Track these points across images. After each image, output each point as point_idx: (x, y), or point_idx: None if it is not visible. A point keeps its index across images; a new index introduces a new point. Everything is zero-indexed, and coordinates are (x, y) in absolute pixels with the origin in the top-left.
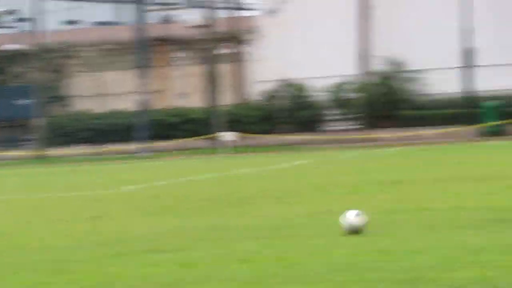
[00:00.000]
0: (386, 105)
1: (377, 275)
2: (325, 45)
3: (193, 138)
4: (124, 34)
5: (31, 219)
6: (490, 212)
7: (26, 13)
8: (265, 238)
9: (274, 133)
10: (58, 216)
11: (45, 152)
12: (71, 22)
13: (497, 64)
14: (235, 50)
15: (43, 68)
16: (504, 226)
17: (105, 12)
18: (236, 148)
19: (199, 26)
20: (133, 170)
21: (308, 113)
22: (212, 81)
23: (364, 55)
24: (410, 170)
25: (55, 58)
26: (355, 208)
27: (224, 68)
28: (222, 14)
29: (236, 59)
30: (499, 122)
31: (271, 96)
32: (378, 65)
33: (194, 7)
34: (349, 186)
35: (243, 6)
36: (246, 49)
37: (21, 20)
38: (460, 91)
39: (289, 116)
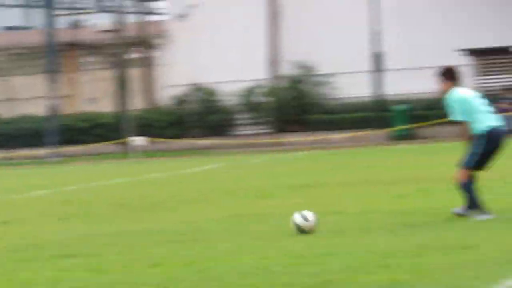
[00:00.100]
0: (295, 109)
1: (287, 279)
2: (235, 49)
3: (103, 143)
4: (33, 38)
5: None
6: (400, 216)
7: None
8: (176, 243)
9: (185, 137)
10: None
11: None
12: None
13: (406, 68)
14: (145, 55)
15: None
16: (414, 229)
17: (14, 17)
18: (146, 153)
19: (109, 31)
20: (43, 175)
21: (218, 118)
22: (122, 86)
23: (273, 59)
24: (320, 174)
25: None
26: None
27: (134, 73)
28: (132, 18)
29: (146, 63)
30: (408, 126)
31: (182, 100)
32: (287, 69)
33: (103, 11)
34: (258, 190)
35: (153, 11)
36: (156, 53)
37: None
38: (370, 94)
39: (200, 120)
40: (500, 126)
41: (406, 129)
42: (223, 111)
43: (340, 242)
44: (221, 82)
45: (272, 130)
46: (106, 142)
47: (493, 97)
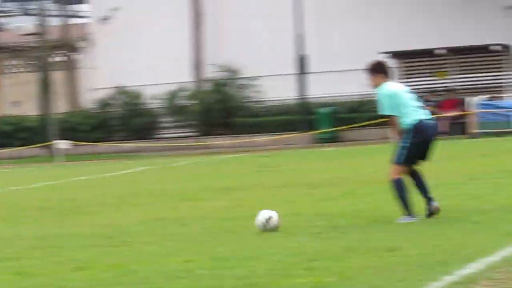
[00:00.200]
0: (220, 113)
1: (213, 282)
2: (158, 52)
3: (28, 146)
4: None
5: None
6: (326, 218)
7: None
8: (100, 246)
9: (109, 141)
10: None
11: None
12: None
13: (330, 71)
14: (68, 58)
15: None
16: (340, 232)
17: None
18: (71, 156)
19: (32, 34)
20: None
21: (142, 121)
22: (45, 89)
23: (197, 62)
24: (245, 177)
25: None
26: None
27: (58, 76)
28: (55, 21)
29: (70, 66)
30: (332, 129)
31: (106, 103)
32: (212, 72)
33: (26, 14)
34: (183, 193)
35: (76, 14)
36: (79, 56)
37: None
38: (294, 97)
39: (124, 123)
40: (427, 119)
41: (331, 132)
42: (147, 114)
43: (265, 245)
44: (145, 85)
45: (197, 133)
46: (31, 146)
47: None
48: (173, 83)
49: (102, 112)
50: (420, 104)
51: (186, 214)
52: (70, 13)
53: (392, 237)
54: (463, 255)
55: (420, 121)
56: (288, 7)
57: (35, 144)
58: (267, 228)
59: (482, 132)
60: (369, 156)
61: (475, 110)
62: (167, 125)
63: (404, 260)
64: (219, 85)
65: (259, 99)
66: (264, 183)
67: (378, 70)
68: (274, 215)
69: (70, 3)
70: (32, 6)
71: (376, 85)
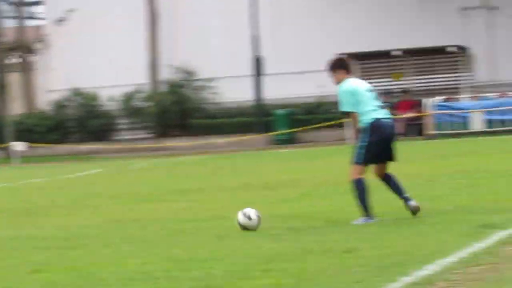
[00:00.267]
0: (177, 114)
1: (170, 284)
2: (115, 54)
3: None
4: None
5: None
6: (283, 220)
7: None
8: (56, 248)
9: (66, 142)
10: None
11: None
12: None
13: (286, 72)
14: (24, 60)
15: None
16: (297, 233)
17: None
18: (27, 158)
19: None
20: None
21: (99, 122)
22: (1, 91)
23: (153, 64)
24: (202, 179)
25: None
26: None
27: (14, 78)
28: (10, 23)
29: (26, 68)
30: (289, 130)
31: (62, 105)
32: (168, 74)
33: None
34: (140, 195)
35: (31, 15)
36: (35, 58)
37: None
38: (252, 99)
39: (80, 125)
40: (385, 118)
41: (287, 134)
42: (103, 116)
43: (222, 247)
44: (101, 87)
45: (153, 135)
46: None
47: None
48: (130, 84)
49: (58, 114)
50: (380, 103)
51: (143, 216)
52: (25, 15)
53: (349, 238)
54: (421, 256)
55: (377, 119)
56: (244, 8)
57: None
58: (246, 224)
59: (439, 133)
60: (326, 157)
61: (431, 111)
62: (124, 126)
63: (362, 261)
64: (175, 87)
65: (216, 101)
66: (221, 185)
67: (339, 66)
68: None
69: (26, 5)
70: None
71: (338, 82)
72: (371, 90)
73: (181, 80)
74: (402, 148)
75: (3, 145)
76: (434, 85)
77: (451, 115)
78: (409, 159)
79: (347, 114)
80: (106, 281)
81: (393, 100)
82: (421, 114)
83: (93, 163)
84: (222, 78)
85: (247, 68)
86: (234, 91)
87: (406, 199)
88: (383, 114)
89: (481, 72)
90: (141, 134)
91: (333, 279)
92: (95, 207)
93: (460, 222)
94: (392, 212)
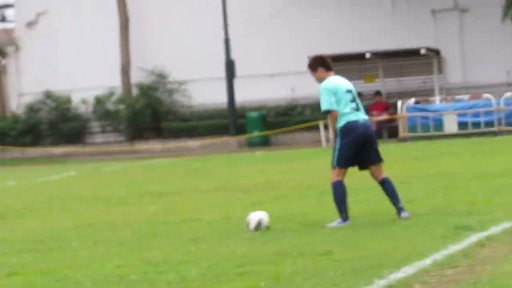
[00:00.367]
0: (150, 117)
1: (145, 287)
2: (87, 56)
3: None
4: None
5: None
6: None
7: None
8: (31, 252)
9: (38, 146)
10: None
11: None
12: None
13: (259, 75)
14: None
15: None
16: (272, 236)
17: None
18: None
19: None
20: None
21: (72, 125)
22: None
23: (125, 66)
24: (175, 181)
25: None
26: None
27: None
28: None
29: None
30: (263, 133)
31: (34, 108)
32: (141, 77)
33: None
34: (113, 198)
35: (2, 19)
36: (7, 61)
37: None
38: (224, 102)
39: (53, 128)
40: (360, 120)
41: (261, 136)
42: (76, 119)
43: (197, 250)
44: (74, 90)
45: (126, 138)
46: None
47: None
48: (102, 87)
49: (31, 117)
50: (358, 103)
51: (118, 219)
52: None
53: (325, 241)
54: (397, 258)
55: (348, 122)
56: (216, 11)
57: None
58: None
59: (412, 135)
60: (301, 160)
61: (404, 113)
62: (97, 130)
63: (337, 264)
64: (148, 90)
65: (189, 104)
66: (195, 187)
67: (318, 64)
68: (262, 218)
69: None
70: None
71: (319, 80)
72: (350, 91)
73: (153, 83)
74: None
75: None
76: (407, 87)
77: (424, 117)
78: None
79: (327, 113)
80: (82, 284)
81: (366, 103)
82: (394, 116)
83: (67, 166)
84: (195, 81)
85: (220, 70)
86: (207, 94)
87: (399, 209)
88: (358, 116)
89: (454, 74)
90: (114, 137)
91: (309, 282)
92: (69, 210)
93: (436, 224)
94: (368, 214)
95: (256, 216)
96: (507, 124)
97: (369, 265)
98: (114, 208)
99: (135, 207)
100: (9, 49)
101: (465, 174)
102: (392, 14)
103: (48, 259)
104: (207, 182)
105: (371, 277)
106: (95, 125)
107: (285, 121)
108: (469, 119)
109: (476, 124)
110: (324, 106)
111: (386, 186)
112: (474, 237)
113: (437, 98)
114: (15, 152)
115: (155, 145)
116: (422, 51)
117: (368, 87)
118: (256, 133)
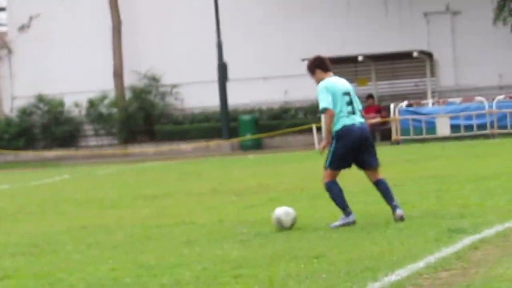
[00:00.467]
0: (143, 120)
1: None
2: (80, 59)
3: None
4: None
5: None
6: (251, 226)
7: None
8: (25, 255)
9: (31, 149)
10: None
11: None
12: None
13: (252, 78)
14: None
15: None
16: (266, 239)
17: None
18: None
19: None
20: None
21: (65, 129)
22: None
23: (118, 69)
24: (168, 184)
25: None
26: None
27: None
28: None
29: None
30: (256, 136)
31: (27, 111)
32: (134, 80)
33: None
34: (106, 201)
35: None
36: (0, 65)
37: None
38: (218, 105)
39: (46, 131)
40: (355, 123)
41: (253, 139)
42: (69, 123)
43: (190, 253)
44: (66, 93)
45: (119, 141)
46: None
47: None
48: (95, 91)
49: (24, 121)
50: (355, 106)
51: (111, 222)
52: None
53: (318, 244)
54: (390, 261)
55: (344, 126)
56: (208, 14)
57: None
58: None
59: (405, 138)
60: (294, 163)
61: (397, 116)
62: (90, 133)
63: (331, 267)
64: (141, 93)
65: (181, 107)
66: (188, 191)
67: (315, 66)
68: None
69: None
70: None
71: (319, 82)
72: (348, 93)
73: (146, 86)
74: None
75: None
76: (400, 90)
77: (417, 120)
78: None
79: (324, 112)
80: (76, 287)
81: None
82: (387, 119)
83: (60, 170)
84: (187, 84)
85: (212, 73)
86: (199, 97)
87: (393, 207)
88: (354, 119)
89: (446, 77)
90: (107, 140)
91: (302, 285)
92: (63, 213)
93: (429, 227)
94: (363, 216)
95: (275, 214)
96: (500, 127)
97: (362, 267)
98: (107, 211)
99: (129, 210)
100: (2, 53)
101: (458, 176)
102: (384, 17)
103: (41, 263)
104: (200, 185)
105: (364, 280)
106: (88, 128)
107: (277, 124)
108: (462, 122)
109: (469, 127)
110: (321, 105)
111: (381, 186)
112: (467, 240)
113: (429, 101)
114: (8, 155)
115: (148, 148)
116: (415, 54)
117: (361, 90)
118: (248, 136)
